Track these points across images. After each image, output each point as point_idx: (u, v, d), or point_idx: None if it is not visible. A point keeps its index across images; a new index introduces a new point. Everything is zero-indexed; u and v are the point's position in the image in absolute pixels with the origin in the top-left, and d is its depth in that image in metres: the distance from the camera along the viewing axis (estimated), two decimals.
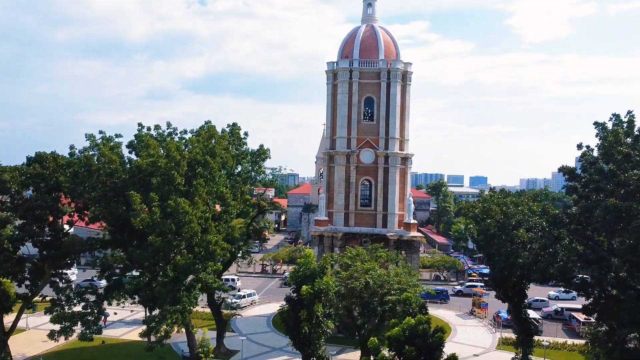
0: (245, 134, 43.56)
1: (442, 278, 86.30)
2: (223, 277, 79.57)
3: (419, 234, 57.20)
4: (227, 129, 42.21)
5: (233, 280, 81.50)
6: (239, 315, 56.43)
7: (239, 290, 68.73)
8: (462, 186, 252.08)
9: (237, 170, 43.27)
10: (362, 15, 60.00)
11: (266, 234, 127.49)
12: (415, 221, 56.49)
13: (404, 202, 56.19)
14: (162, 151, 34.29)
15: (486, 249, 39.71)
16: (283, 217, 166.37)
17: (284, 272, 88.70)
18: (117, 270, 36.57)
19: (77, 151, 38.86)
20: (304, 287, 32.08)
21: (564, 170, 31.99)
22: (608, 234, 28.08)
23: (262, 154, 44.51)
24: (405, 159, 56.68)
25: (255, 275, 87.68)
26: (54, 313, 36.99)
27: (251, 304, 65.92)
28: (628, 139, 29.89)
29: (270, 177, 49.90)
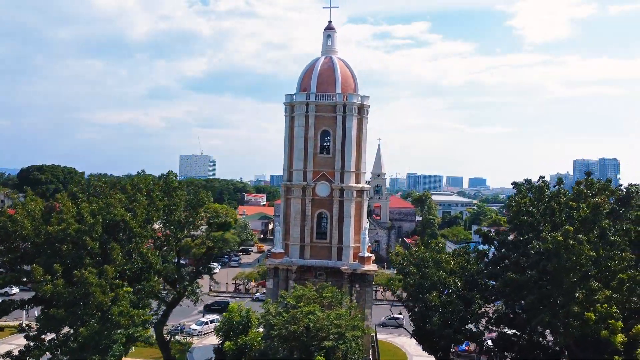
0: (180, 182, 43.86)
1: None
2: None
3: (374, 268, 57.57)
4: (168, 177, 42.46)
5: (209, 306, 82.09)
6: (193, 345, 56.84)
7: (203, 316, 69.15)
8: (451, 194, 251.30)
9: (174, 218, 43.17)
10: (322, 46, 60.25)
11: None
12: (371, 254, 56.72)
13: (360, 235, 56.47)
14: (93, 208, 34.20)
15: (406, 305, 39.91)
16: (271, 226, 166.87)
17: (257, 293, 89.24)
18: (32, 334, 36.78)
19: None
20: (227, 344, 32.46)
21: (479, 232, 32.39)
22: (509, 305, 28.51)
23: (200, 200, 44.71)
24: (362, 192, 56.99)
25: (228, 295, 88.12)
26: None
27: (214, 330, 66.16)
28: (539, 204, 30.29)
29: (223, 219, 49.61)
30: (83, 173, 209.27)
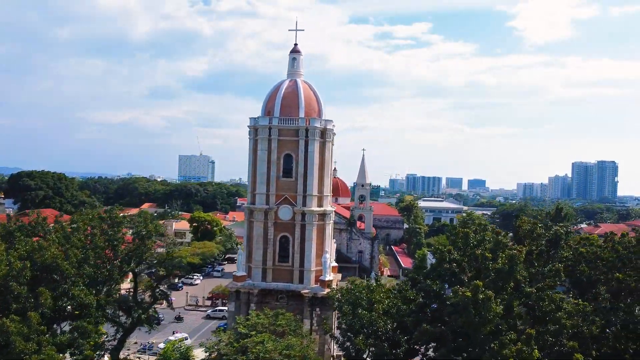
0: (124, 217, 44.29)
1: None
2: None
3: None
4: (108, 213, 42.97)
5: (179, 317, 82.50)
6: None
7: (174, 333, 69.52)
8: (441, 200, 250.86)
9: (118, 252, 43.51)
10: (287, 69, 60.57)
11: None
12: (332, 277, 57.06)
13: (321, 258, 56.80)
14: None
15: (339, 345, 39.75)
16: None
17: (210, 309, 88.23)
18: None
19: None
20: None
21: (408, 275, 32.72)
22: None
23: (148, 232, 45.04)
24: (324, 215, 57.33)
25: (204, 310, 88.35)
26: None
27: None
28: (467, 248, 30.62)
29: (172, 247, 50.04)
30: (74, 179, 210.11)
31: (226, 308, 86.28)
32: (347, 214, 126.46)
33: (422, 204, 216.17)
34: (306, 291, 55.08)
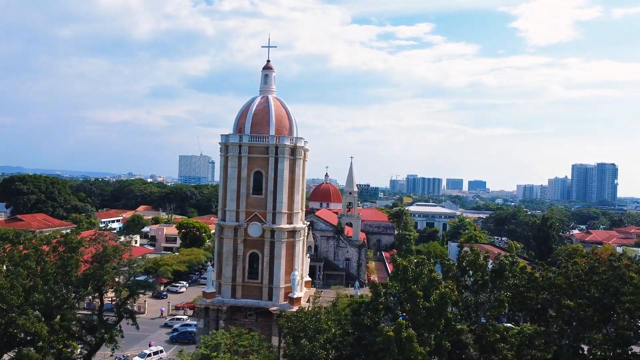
0: (79, 241, 44.44)
1: None
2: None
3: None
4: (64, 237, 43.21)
5: (180, 319, 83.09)
6: None
7: (150, 345, 69.88)
8: (434, 205, 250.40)
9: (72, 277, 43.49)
10: (260, 85, 60.86)
11: None
12: (301, 294, 57.30)
13: (290, 275, 57.05)
14: None
15: None
16: None
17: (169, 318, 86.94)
18: None
19: None
20: None
21: (349, 310, 33.00)
22: None
23: (106, 255, 45.01)
24: (293, 232, 57.58)
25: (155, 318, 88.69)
26: None
27: None
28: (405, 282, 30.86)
29: (134, 266, 49.87)
30: (67, 183, 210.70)
31: (185, 317, 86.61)
32: (337, 220, 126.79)
33: (415, 208, 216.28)
34: (274, 308, 55.34)
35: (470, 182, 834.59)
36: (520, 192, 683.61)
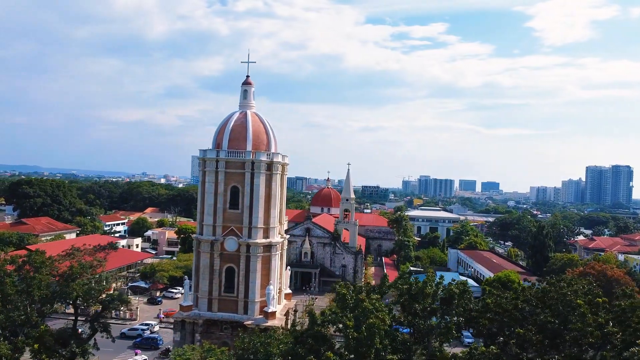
0: (43, 261, 45.36)
1: None
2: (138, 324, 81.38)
3: (278, 323, 58.54)
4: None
5: (150, 324, 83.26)
6: None
7: (136, 354, 70.82)
8: (439, 209, 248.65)
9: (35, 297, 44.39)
10: (239, 100, 61.48)
11: None
12: (276, 309, 57.82)
13: (265, 289, 57.58)
14: None
15: None
16: None
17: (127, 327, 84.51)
18: None
19: None
20: None
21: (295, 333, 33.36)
22: None
23: (73, 273, 45.93)
24: (269, 247, 58.10)
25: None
26: None
27: None
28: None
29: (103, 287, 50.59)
30: (73, 184, 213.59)
31: (154, 323, 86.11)
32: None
33: (418, 213, 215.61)
34: (249, 322, 55.94)
35: (483, 184, 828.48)
36: (533, 194, 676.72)
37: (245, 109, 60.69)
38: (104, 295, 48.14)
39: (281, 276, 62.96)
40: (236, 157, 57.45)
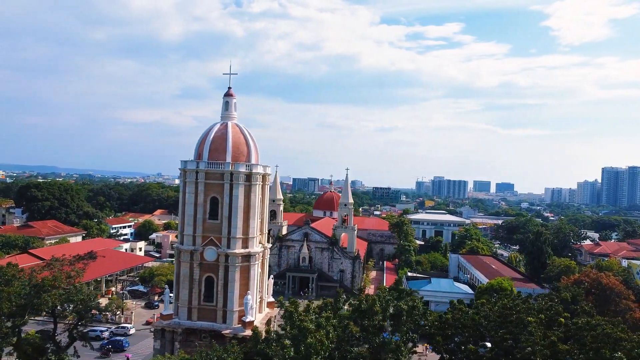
0: (14, 274, 46.48)
1: None
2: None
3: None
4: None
5: (125, 327, 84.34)
6: None
7: (127, 359, 72.08)
8: (444, 213, 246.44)
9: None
10: (221, 112, 62.26)
11: None
12: (253, 318, 58.46)
13: (244, 299, 58.29)
14: None
15: None
16: None
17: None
18: None
19: None
20: None
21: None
22: None
23: (44, 285, 46.95)
24: (248, 257, 58.77)
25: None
26: None
27: None
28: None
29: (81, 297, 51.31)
30: (81, 187, 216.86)
31: (129, 325, 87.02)
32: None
33: (423, 216, 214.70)
34: (227, 331, 56.73)
35: (497, 185, 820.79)
36: (548, 196, 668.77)
37: (226, 120, 61.45)
38: (80, 306, 49.20)
39: (262, 285, 63.62)
40: (215, 168, 58.27)
